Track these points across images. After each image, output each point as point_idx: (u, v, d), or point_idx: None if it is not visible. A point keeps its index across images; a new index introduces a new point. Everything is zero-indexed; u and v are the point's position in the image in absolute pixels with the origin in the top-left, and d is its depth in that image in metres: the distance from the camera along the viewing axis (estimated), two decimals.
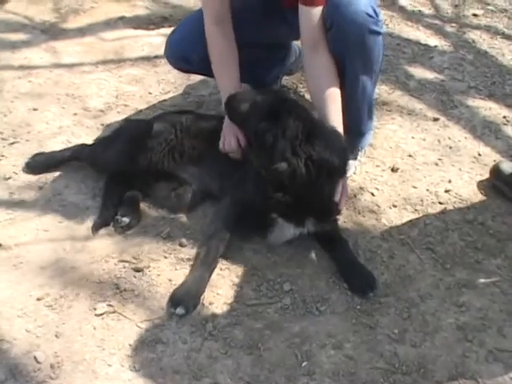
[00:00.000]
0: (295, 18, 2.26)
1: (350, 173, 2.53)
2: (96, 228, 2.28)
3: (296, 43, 2.86)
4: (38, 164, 2.55)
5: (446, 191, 2.53)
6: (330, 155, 2.00)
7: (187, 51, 2.56)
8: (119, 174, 2.43)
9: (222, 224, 2.16)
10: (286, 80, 3.11)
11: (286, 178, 1.98)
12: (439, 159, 2.71)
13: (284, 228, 2.16)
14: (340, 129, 2.16)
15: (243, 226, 2.18)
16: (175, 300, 1.99)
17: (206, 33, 2.38)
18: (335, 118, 2.18)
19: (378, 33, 2.22)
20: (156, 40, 3.47)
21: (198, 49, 2.45)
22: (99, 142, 2.60)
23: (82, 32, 3.57)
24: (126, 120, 2.70)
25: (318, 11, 2.18)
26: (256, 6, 2.50)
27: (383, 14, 3.83)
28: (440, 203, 2.47)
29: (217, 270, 2.13)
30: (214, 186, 2.39)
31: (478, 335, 1.96)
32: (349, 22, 2.15)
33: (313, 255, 2.23)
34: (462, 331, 1.97)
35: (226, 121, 2.36)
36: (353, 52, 2.22)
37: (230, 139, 2.29)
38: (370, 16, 2.17)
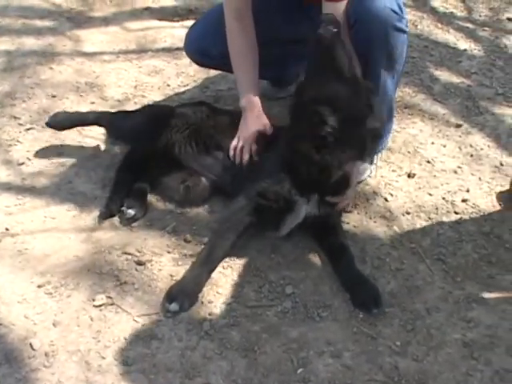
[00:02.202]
0: (317, 13, 2.20)
1: (364, 176, 2.47)
2: (101, 218, 2.26)
3: None
4: (60, 121, 2.56)
5: (463, 201, 2.43)
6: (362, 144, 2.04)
7: (207, 45, 2.54)
8: (131, 160, 2.42)
9: (230, 223, 2.11)
10: None
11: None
12: (459, 167, 2.61)
13: (299, 208, 2.11)
14: None
15: (252, 222, 2.12)
16: (170, 296, 1.95)
17: (227, 28, 2.37)
18: None
19: (402, 30, 2.15)
20: (179, 32, 3.44)
21: (218, 44, 2.42)
22: (123, 111, 2.65)
23: (106, 21, 3.57)
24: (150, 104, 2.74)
25: (340, 6, 2.13)
26: (275, 1, 2.44)
27: (413, 15, 3.75)
28: (456, 213, 2.38)
29: (219, 268, 2.09)
30: (226, 180, 2.35)
31: (485, 353, 1.87)
32: (372, 17, 2.09)
33: (318, 259, 2.17)
34: (468, 348, 1.88)
35: (245, 126, 2.31)
36: (375, 48, 2.16)
37: (247, 148, 2.27)
38: (395, 12, 2.10)
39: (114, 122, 2.53)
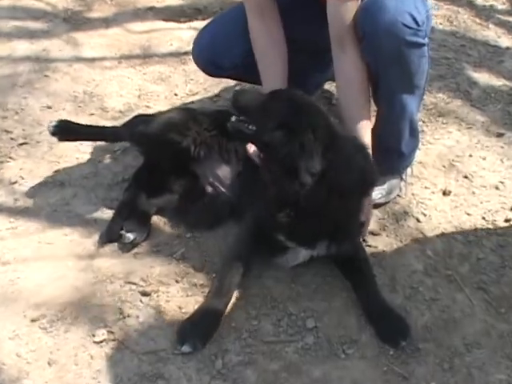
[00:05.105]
0: None
1: (393, 195, 2.49)
2: (102, 243, 2.31)
3: None
4: (65, 131, 2.56)
5: (506, 220, 2.44)
6: (347, 175, 1.96)
7: (217, 56, 2.57)
8: (142, 175, 2.47)
9: (237, 250, 2.16)
10: (329, 84, 3.07)
11: (295, 198, 1.95)
12: (500, 182, 2.62)
13: (296, 250, 2.13)
14: (365, 135, 2.15)
15: (258, 250, 2.16)
16: (181, 336, 1.97)
17: (249, 28, 2.39)
18: (356, 118, 2.18)
19: (419, 44, 2.14)
20: (187, 34, 3.50)
21: (230, 54, 2.45)
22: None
23: (106, 22, 3.65)
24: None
25: (345, 7, 2.13)
26: (295, 6, 2.47)
27: (447, 10, 3.77)
28: (498, 235, 2.38)
29: (232, 300, 2.11)
30: (241, 198, 2.38)
31: None
32: (381, 33, 2.08)
33: (342, 287, 2.18)
34: None
35: None
36: (387, 65, 2.16)
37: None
38: (407, 26, 2.08)
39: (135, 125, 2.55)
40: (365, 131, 2.18)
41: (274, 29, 2.37)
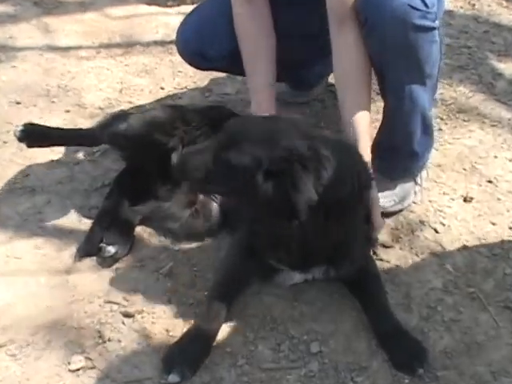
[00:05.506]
0: None
1: (408, 201, 2.50)
2: (78, 258, 2.31)
3: None
4: (34, 136, 2.53)
5: None
6: (341, 190, 1.91)
7: (203, 46, 2.59)
8: (125, 180, 2.49)
9: (229, 267, 2.17)
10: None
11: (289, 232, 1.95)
12: None
13: (290, 273, 2.15)
14: (363, 130, 2.15)
15: (251, 269, 2.17)
16: (168, 363, 1.97)
17: (234, 15, 2.41)
18: (352, 104, 2.19)
19: (428, 28, 2.14)
20: (174, 20, 3.51)
21: (217, 44, 2.49)
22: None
23: (83, 6, 3.68)
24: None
25: None
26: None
27: None
28: None
29: (227, 321, 2.10)
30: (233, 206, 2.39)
31: None
32: (386, 17, 2.09)
33: (351, 307, 2.18)
34: None
35: None
36: (392, 53, 2.17)
37: None
38: (415, 8, 2.08)
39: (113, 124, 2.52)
40: (363, 124, 2.17)
41: (262, 15, 2.40)
